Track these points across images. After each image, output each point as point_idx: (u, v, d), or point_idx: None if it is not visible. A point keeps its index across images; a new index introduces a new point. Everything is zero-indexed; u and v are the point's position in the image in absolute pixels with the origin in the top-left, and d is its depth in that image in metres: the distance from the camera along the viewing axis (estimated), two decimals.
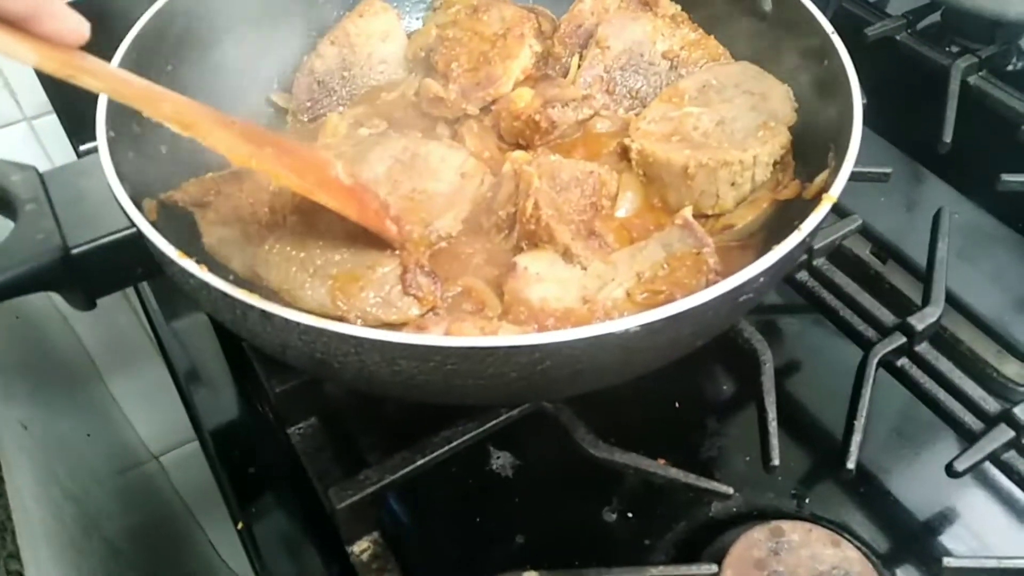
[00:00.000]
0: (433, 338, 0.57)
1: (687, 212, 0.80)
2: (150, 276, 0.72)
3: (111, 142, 0.70)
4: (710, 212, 0.85)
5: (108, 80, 0.60)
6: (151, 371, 1.40)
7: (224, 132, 0.65)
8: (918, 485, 0.84)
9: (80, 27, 0.55)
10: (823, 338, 0.94)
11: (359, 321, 0.72)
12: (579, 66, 0.97)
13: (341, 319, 0.72)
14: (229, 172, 0.83)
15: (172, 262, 0.60)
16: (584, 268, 0.78)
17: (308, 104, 0.99)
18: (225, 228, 0.78)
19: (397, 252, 0.77)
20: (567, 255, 0.79)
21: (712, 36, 0.98)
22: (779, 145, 0.84)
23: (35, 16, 0.53)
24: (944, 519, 0.82)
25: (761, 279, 0.62)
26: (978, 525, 0.81)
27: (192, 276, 0.59)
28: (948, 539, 0.80)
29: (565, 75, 0.98)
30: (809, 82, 0.87)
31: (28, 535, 0.76)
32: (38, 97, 1.14)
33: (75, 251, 0.70)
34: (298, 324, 0.57)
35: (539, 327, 0.71)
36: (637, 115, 0.92)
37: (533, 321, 0.72)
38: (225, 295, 0.58)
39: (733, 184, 0.83)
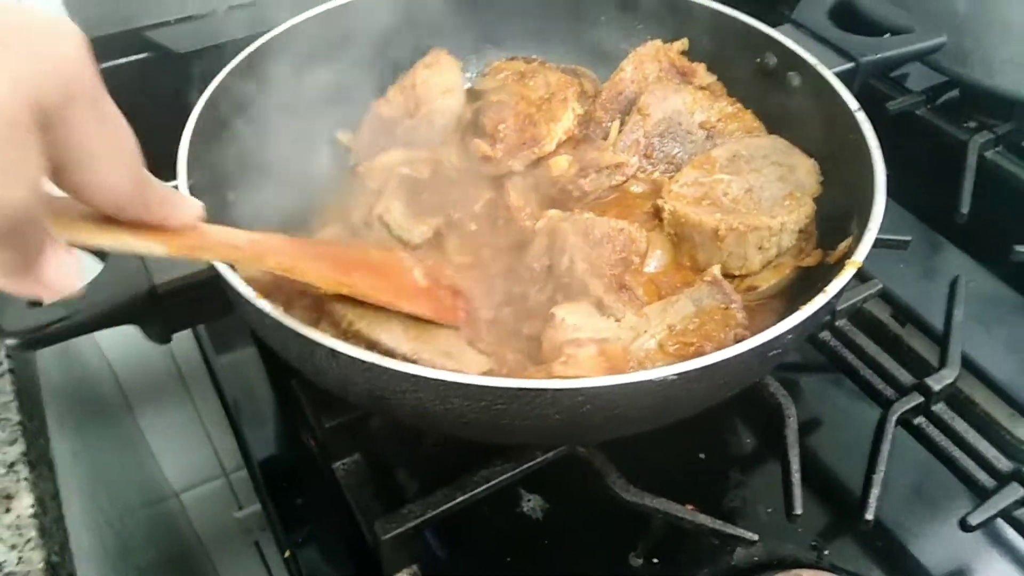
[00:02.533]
0: (486, 379, 0.62)
1: (716, 270, 0.84)
2: (223, 314, 0.77)
3: (191, 189, 0.76)
4: (737, 273, 0.89)
5: (220, 252, 0.64)
6: (178, 410, 1.44)
7: (317, 266, 0.71)
8: (933, 541, 0.87)
9: (197, 209, 0.58)
10: (841, 397, 0.98)
11: None
12: (620, 131, 1.03)
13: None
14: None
15: (248, 303, 0.66)
16: (617, 320, 0.82)
17: (369, 142, 1.04)
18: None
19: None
20: (600, 306, 0.83)
21: (749, 111, 1.03)
22: (804, 215, 0.88)
23: (167, 219, 0.55)
24: (958, 575, 0.85)
25: (789, 336, 0.67)
26: None
27: (267, 316, 0.65)
28: None
29: (605, 137, 1.04)
30: (834, 153, 0.91)
31: (82, 563, 0.80)
32: None
33: (160, 288, 0.75)
34: (363, 362, 0.62)
35: None
36: (671, 178, 0.97)
37: None
38: (297, 334, 0.64)
39: (760, 248, 0.87)
